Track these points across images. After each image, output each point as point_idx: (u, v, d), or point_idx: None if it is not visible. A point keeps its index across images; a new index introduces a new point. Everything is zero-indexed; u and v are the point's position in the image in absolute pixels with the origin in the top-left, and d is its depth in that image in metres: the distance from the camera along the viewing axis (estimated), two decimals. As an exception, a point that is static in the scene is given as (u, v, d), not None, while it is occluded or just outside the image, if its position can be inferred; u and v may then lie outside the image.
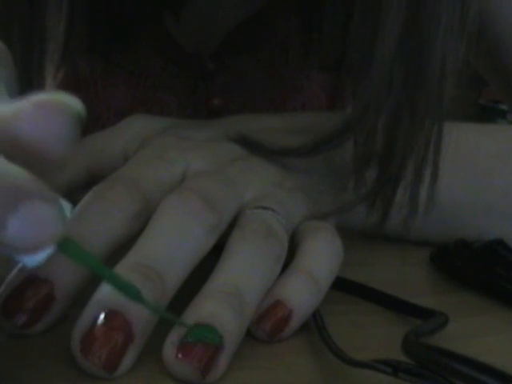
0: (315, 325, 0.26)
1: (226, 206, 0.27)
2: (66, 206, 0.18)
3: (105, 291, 0.22)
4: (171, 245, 0.24)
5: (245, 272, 0.25)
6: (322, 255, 0.28)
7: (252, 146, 0.32)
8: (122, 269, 0.23)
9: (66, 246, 0.18)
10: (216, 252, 0.26)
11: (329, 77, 0.50)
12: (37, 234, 0.16)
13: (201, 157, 0.31)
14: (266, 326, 0.25)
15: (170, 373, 0.22)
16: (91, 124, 0.43)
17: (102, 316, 0.21)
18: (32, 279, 0.23)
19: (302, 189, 0.32)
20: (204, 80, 0.47)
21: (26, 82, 0.34)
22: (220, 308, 0.23)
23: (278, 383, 0.23)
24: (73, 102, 0.18)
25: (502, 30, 0.46)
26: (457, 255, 0.34)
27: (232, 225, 0.27)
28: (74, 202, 0.25)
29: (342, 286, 0.30)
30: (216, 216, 0.26)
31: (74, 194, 0.27)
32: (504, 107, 1.87)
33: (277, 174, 0.32)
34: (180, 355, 0.21)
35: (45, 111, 0.18)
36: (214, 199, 0.26)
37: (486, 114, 2.02)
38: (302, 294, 0.26)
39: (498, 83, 0.50)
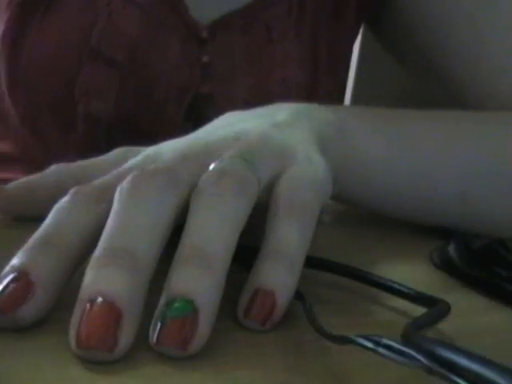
0: (303, 309, 0.26)
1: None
2: None
3: (84, 285, 0.23)
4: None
5: (202, 227, 0.25)
6: (290, 234, 0.27)
7: None
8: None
9: None
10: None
11: (306, 55, 0.56)
12: None
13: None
14: (254, 314, 0.25)
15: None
16: (106, 48, 0.48)
17: (87, 308, 0.22)
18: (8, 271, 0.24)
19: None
20: (197, 41, 0.51)
21: None
22: (183, 275, 0.24)
23: (277, 383, 0.23)
24: None
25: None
26: (457, 255, 0.34)
27: None
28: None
29: (343, 271, 0.31)
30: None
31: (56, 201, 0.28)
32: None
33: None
34: (158, 338, 0.22)
35: None
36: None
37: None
38: (277, 273, 0.26)
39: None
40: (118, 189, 0.26)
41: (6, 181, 0.34)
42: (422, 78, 0.61)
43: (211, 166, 0.28)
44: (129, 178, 0.26)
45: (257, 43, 0.53)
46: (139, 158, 0.32)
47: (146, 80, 0.50)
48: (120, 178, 0.27)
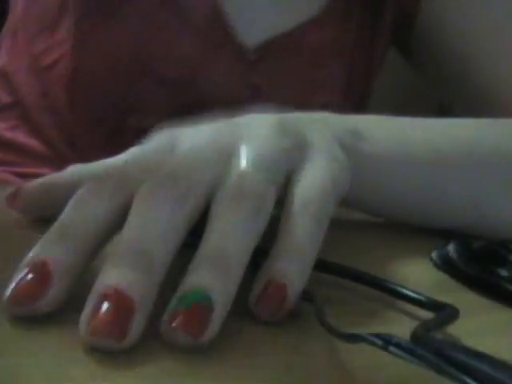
0: (315, 310, 0.26)
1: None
2: None
3: (98, 280, 0.23)
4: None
5: (222, 232, 0.26)
6: (304, 234, 0.28)
7: None
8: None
9: None
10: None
11: (345, 80, 0.58)
12: None
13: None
14: (266, 304, 0.26)
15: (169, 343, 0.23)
16: (157, 65, 0.50)
17: (99, 300, 0.23)
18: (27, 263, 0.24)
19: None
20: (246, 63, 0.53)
21: None
22: (202, 271, 0.24)
23: (277, 383, 0.23)
24: None
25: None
26: (457, 255, 0.34)
27: None
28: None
29: (348, 274, 0.30)
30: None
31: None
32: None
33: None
34: (173, 324, 0.23)
35: None
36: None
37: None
38: (289, 270, 0.27)
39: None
40: (137, 194, 0.27)
41: (34, 176, 0.35)
42: (442, 87, 0.62)
43: (231, 179, 0.28)
44: (147, 184, 0.27)
45: (301, 66, 0.55)
46: (153, 144, 0.32)
47: (194, 99, 0.51)
48: (135, 169, 0.28)
